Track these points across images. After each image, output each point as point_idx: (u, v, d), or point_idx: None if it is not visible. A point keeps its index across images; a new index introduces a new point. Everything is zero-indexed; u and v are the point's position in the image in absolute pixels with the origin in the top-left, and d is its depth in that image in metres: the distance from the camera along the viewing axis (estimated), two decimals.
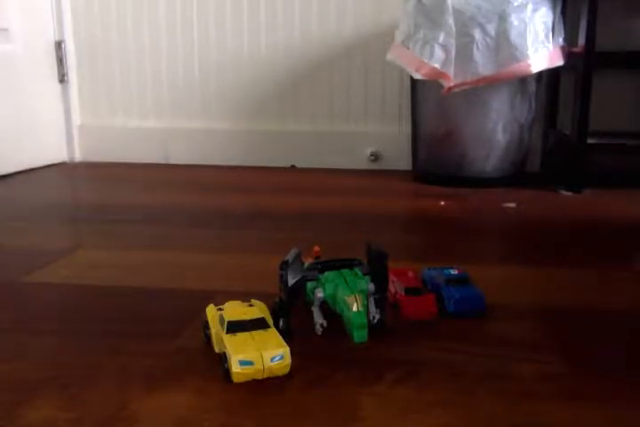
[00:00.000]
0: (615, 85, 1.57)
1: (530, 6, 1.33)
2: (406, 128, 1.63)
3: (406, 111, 1.65)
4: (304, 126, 1.76)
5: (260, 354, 0.48)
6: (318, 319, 0.58)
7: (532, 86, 1.45)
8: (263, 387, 0.49)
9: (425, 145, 1.54)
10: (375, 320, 0.58)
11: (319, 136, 1.74)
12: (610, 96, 1.55)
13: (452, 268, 0.68)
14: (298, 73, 1.73)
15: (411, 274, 0.68)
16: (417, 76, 1.38)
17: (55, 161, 1.79)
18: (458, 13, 1.33)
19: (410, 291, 0.64)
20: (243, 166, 1.75)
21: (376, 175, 1.63)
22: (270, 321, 0.54)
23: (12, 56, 1.62)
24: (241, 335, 0.51)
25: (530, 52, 1.32)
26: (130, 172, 1.69)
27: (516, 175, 1.50)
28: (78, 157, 1.86)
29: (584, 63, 1.33)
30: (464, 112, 1.44)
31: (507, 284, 0.75)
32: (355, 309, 0.54)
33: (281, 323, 0.57)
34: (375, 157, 1.73)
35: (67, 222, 1.13)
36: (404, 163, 1.65)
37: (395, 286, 0.65)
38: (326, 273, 0.60)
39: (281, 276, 0.56)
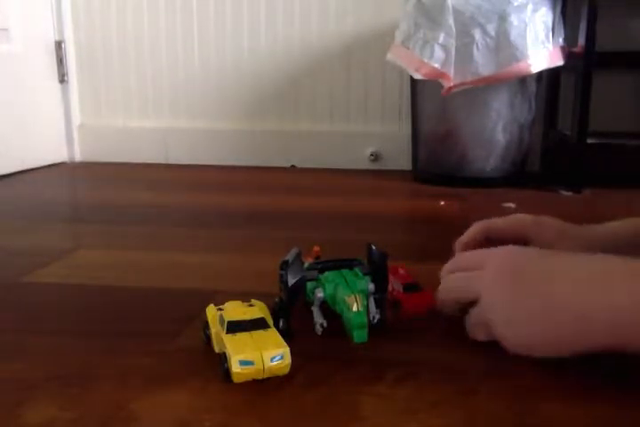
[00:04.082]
0: (615, 85, 1.57)
1: (530, 6, 1.33)
2: (406, 128, 1.63)
3: (406, 111, 1.65)
4: (304, 126, 1.76)
5: (260, 354, 0.48)
6: (318, 319, 0.58)
7: (532, 86, 1.45)
8: (263, 387, 0.49)
9: (425, 145, 1.54)
10: (375, 320, 0.58)
11: (319, 136, 1.75)
12: (610, 96, 1.55)
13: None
14: (298, 73, 1.73)
15: (402, 271, 0.68)
16: (417, 76, 1.38)
17: (55, 161, 1.80)
18: (458, 13, 1.33)
19: (408, 287, 0.64)
20: (243, 166, 1.75)
21: (376, 175, 1.63)
22: (270, 321, 0.54)
23: (12, 56, 1.62)
24: (241, 335, 0.51)
25: (530, 52, 1.32)
26: (130, 172, 1.69)
27: (516, 175, 1.50)
28: (78, 157, 1.86)
29: (584, 63, 1.33)
30: (464, 112, 1.44)
31: None
32: (355, 309, 0.54)
33: (281, 323, 0.56)
34: (375, 157, 1.73)
35: (67, 222, 1.13)
36: (404, 163, 1.65)
37: (391, 284, 0.65)
38: (326, 273, 0.60)
39: (281, 276, 0.56)
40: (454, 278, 0.59)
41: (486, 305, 0.55)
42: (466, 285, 0.57)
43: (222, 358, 0.50)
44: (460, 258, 0.62)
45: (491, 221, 0.67)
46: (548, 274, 0.52)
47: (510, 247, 0.56)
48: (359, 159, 1.73)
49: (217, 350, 0.53)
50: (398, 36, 1.44)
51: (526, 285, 0.52)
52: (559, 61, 1.37)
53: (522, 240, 0.64)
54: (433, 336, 0.59)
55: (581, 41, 1.33)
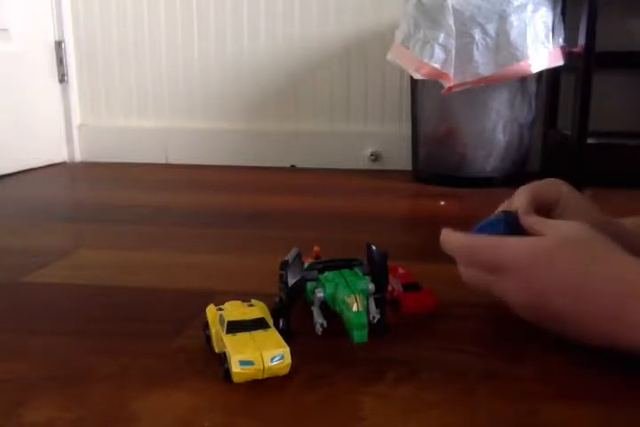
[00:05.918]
0: (615, 85, 1.57)
1: (530, 6, 1.33)
2: (406, 128, 1.63)
3: (406, 111, 1.65)
4: (304, 126, 1.76)
5: (260, 354, 0.48)
6: (318, 319, 0.58)
7: (532, 86, 1.45)
8: (263, 387, 0.49)
9: (425, 145, 1.54)
10: (375, 320, 0.58)
11: (319, 136, 1.74)
12: (610, 96, 1.55)
13: None
14: (298, 73, 1.73)
15: (401, 270, 0.68)
16: (417, 76, 1.38)
17: (55, 161, 1.80)
18: (458, 13, 1.33)
19: (408, 286, 0.65)
20: (243, 166, 1.75)
21: (376, 175, 1.63)
22: (270, 321, 0.54)
23: (12, 56, 1.62)
24: (241, 335, 0.51)
25: (530, 52, 1.32)
26: (130, 172, 1.69)
27: (516, 175, 1.50)
28: (78, 157, 1.86)
29: (584, 63, 1.33)
30: (464, 112, 1.44)
31: None
32: (355, 309, 0.54)
33: (281, 323, 0.57)
34: (375, 157, 1.73)
35: (67, 222, 1.13)
36: (404, 163, 1.65)
37: (391, 284, 0.65)
38: (326, 273, 0.60)
39: (281, 276, 0.56)
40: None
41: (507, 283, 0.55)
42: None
43: (222, 358, 0.50)
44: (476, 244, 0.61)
45: (533, 187, 0.66)
46: (589, 268, 0.51)
47: (571, 229, 0.55)
48: (359, 159, 1.73)
49: (217, 350, 0.53)
50: (398, 36, 1.44)
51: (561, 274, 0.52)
52: (559, 61, 1.37)
53: (553, 204, 0.65)
54: (433, 336, 0.59)
55: (581, 41, 1.33)
